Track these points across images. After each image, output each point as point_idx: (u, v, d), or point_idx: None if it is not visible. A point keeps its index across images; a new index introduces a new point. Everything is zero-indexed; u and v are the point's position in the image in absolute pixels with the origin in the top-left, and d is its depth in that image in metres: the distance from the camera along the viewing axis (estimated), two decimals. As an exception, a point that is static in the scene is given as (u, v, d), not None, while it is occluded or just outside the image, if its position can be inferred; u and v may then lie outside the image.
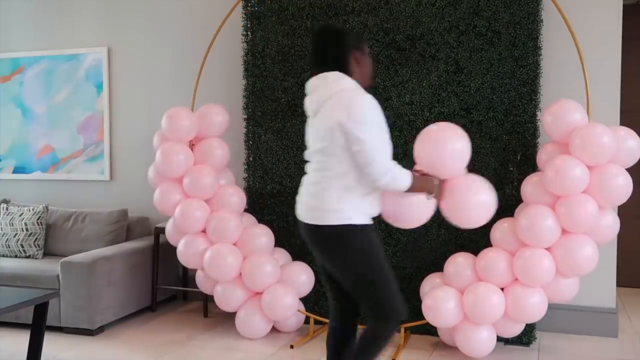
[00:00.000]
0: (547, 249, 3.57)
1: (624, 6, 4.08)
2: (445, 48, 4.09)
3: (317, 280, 4.38)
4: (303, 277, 4.23)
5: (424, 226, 4.07)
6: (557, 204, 3.53)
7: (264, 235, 4.23)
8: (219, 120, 4.38)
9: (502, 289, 3.66)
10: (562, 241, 3.55)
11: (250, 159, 4.54)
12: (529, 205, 3.64)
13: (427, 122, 4.11)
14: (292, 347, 3.99)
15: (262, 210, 4.51)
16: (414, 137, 4.11)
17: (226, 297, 4.18)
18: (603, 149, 3.43)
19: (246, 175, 4.57)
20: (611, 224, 3.61)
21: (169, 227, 4.39)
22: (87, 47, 5.36)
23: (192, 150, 4.34)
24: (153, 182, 4.40)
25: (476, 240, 4.00)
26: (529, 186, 3.69)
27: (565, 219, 3.49)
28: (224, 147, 4.39)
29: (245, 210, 4.53)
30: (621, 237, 4.06)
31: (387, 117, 2.67)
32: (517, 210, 3.80)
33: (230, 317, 4.49)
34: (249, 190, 4.55)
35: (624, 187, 3.48)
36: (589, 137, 3.45)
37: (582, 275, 3.64)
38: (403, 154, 4.19)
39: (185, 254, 4.23)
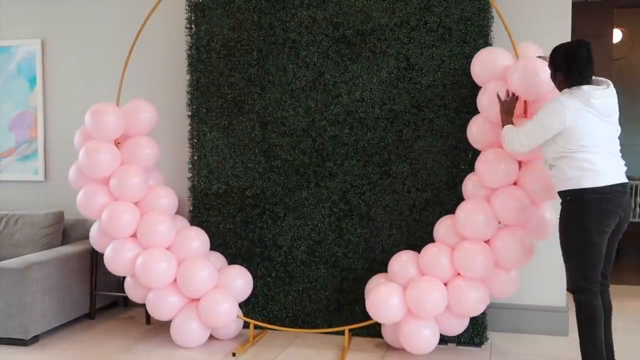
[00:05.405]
0: (486, 241, 3.68)
1: (573, 4, 4.10)
2: (396, 44, 4.03)
3: (264, 284, 4.27)
4: (241, 281, 4.13)
5: (375, 226, 4.08)
6: (491, 196, 3.65)
7: (198, 238, 4.11)
8: (147, 116, 4.21)
9: (445, 284, 3.71)
10: (499, 234, 3.66)
11: (195, 157, 4.39)
12: (466, 200, 3.76)
13: (378, 120, 4.07)
14: (234, 354, 3.85)
15: (207, 211, 4.36)
16: (364, 135, 4.09)
17: (160, 305, 4.02)
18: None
19: (190, 174, 4.42)
20: (550, 218, 3.67)
21: (93, 232, 4.18)
22: (19, 39, 5.13)
23: (118, 149, 4.15)
24: (75, 184, 4.18)
25: (428, 240, 3.95)
26: (469, 184, 3.79)
27: (499, 211, 3.60)
28: (153, 145, 4.22)
29: (190, 212, 4.41)
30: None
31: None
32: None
33: (174, 323, 4.33)
34: (193, 191, 4.40)
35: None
36: None
37: (520, 267, 3.71)
38: (354, 152, 4.11)
39: (114, 260, 4.04)
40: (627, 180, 3.17)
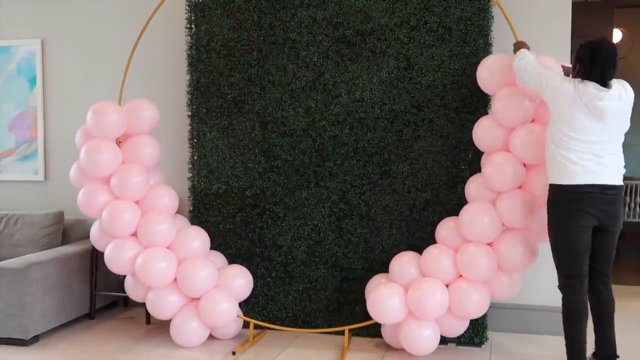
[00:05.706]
0: (489, 244, 3.66)
1: (573, 4, 4.09)
2: (396, 44, 4.02)
3: (264, 284, 4.26)
4: (241, 280, 4.12)
5: (375, 226, 4.07)
6: (497, 200, 3.63)
7: (198, 238, 4.10)
8: (148, 115, 4.19)
9: (447, 286, 3.70)
10: (503, 236, 3.64)
11: (195, 157, 4.38)
12: (471, 202, 3.73)
13: (378, 120, 4.06)
14: (234, 353, 3.85)
15: (207, 211, 4.35)
16: (364, 135, 4.08)
17: (160, 304, 4.00)
18: (540, 149, 3.46)
19: (190, 174, 4.40)
20: None
21: (94, 231, 4.16)
22: (19, 39, 5.11)
23: (119, 148, 4.14)
24: (77, 183, 4.16)
25: (428, 241, 3.94)
26: (473, 186, 3.77)
27: (505, 214, 3.58)
28: (155, 144, 4.20)
29: (190, 212, 4.39)
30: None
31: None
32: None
33: (174, 323, 4.32)
34: (193, 191, 4.39)
35: None
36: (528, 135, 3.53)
37: (524, 270, 3.70)
38: (354, 152, 4.10)
39: (114, 259, 4.02)
40: (613, 183, 3.12)
